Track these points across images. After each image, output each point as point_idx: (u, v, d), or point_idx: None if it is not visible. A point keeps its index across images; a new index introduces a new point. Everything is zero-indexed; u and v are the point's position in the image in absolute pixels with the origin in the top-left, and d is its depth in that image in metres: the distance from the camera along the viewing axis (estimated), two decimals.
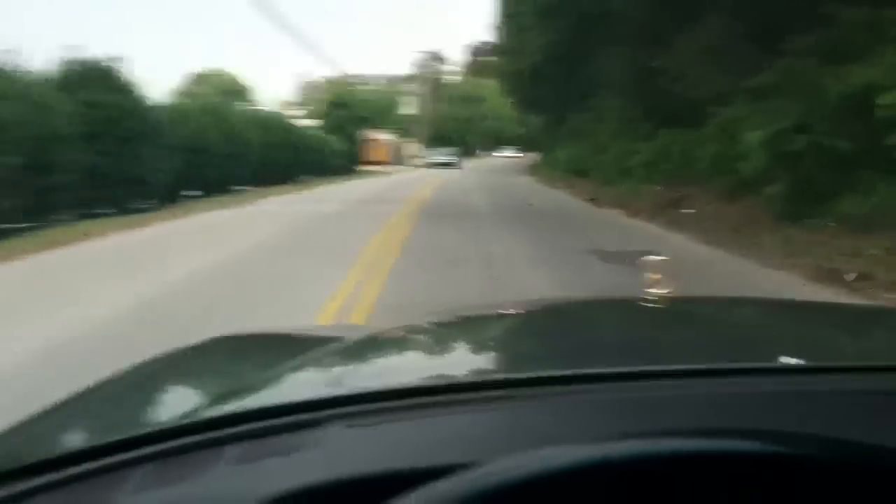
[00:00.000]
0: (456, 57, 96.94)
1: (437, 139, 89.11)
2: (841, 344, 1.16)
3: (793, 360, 0.93)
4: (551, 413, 0.73)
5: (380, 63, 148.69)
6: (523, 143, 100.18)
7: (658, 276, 1.30)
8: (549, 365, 0.95)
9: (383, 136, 52.60)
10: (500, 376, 0.94)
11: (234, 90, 73.75)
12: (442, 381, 0.90)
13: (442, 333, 1.32)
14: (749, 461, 0.54)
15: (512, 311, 1.50)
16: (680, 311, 1.41)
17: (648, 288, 1.34)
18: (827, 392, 0.77)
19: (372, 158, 50.99)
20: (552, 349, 1.11)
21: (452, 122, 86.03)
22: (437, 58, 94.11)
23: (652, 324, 1.30)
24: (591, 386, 0.79)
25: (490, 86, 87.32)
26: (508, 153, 67.11)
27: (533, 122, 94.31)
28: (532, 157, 67.26)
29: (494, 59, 45.91)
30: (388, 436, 0.70)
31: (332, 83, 47.77)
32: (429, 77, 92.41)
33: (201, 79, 74.00)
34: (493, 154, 69.67)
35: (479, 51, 52.38)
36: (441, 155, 48.98)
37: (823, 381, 0.81)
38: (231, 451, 0.67)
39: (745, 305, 1.63)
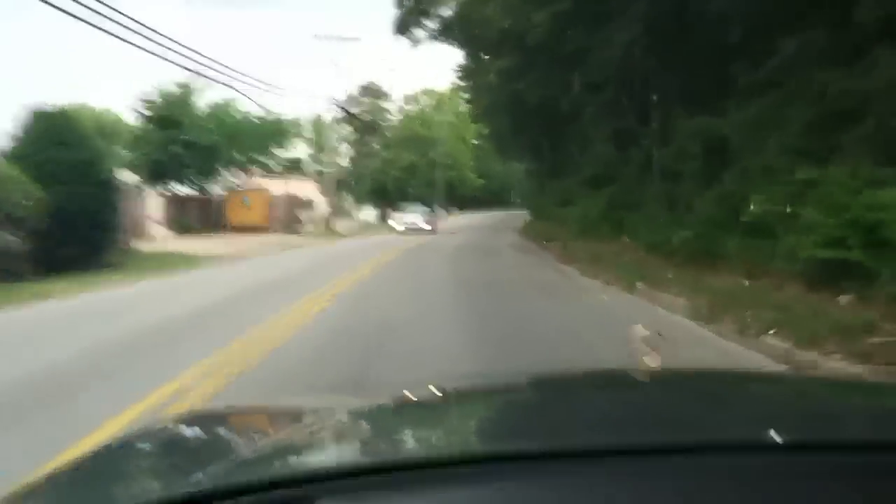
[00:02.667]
0: (401, 93, 76.31)
1: (376, 193, 68.41)
2: (836, 420, 1.10)
3: (779, 437, 0.87)
4: (536, 487, 0.74)
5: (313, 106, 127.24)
6: (488, 198, 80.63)
7: (645, 346, 1.16)
8: (537, 440, 0.94)
9: (273, 183, 31.41)
10: (488, 451, 0.91)
11: (112, 132, 52.30)
12: (427, 456, 0.91)
13: (429, 408, 1.29)
14: None
15: (501, 386, 1.47)
16: (670, 384, 1.40)
17: (638, 358, 1.17)
18: (818, 472, 0.76)
19: (238, 221, 29.48)
20: (540, 424, 1.09)
21: (393, 171, 65.38)
22: (372, 91, 74.36)
23: (641, 398, 1.28)
24: (576, 461, 0.80)
25: (443, 121, 67.53)
26: (412, 216, 34.25)
27: (497, 170, 74.60)
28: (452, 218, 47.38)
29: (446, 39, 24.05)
30: None
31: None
32: (366, 112, 72.32)
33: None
34: (398, 217, 35.17)
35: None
36: None
37: (811, 461, 0.80)
38: None
39: (737, 379, 1.67)
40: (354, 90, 74.25)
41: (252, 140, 28.02)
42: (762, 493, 0.71)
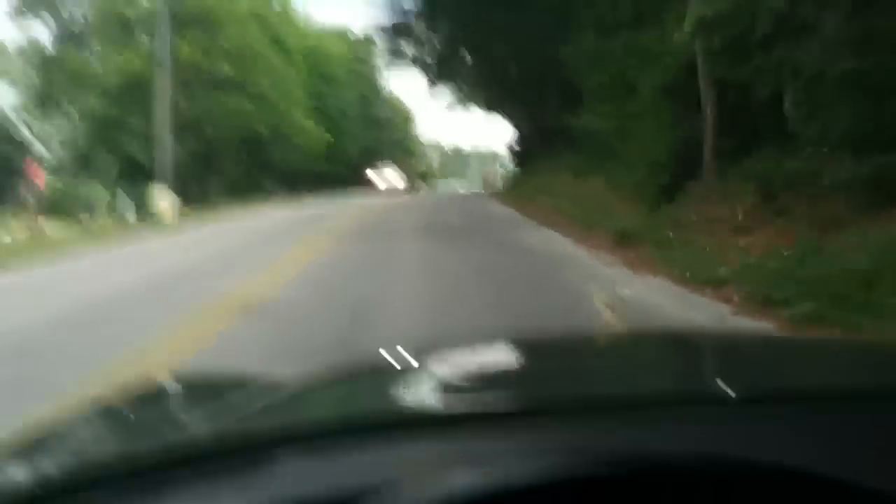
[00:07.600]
0: None
1: (78, 160, 29.84)
2: (799, 375, 1.16)
3: (731, 391, 0.92)
4: (501, 442, 0.75)
5: None
6: (340, 173, 41.83)
7: (608, 311, 1.28)
8: (503, 396, 0.96)
9: None
10: (449, 411, 0.93)
11: None
12: (392, 413, 0.91)
13: (399, 370, 1.29)
14: (691, 479, 0.61)
15: (469, 349, 1.46)
16: (635, 344, 1.45)
17: (602, 320, 1.41)
18: (776, 422, 0.80)
19: None
20: (508, 382, 1.13)
21: (97, 103, 26.75)
22: None
23: (606, 357, 1.33)
24: (544, 418, 0.81)
25: None
26: None
27: (355, 124, 33.18)
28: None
29: None
30: (339, 464, 0.71)
31: None
32: None
33: None
34: None
35: None
36: None
37: (774, 411, 0.84)
38: (187, 487, 0.69)
39: (698, 338, 1.73)
40: None
41: None
42: (718, 443, 0.74)
